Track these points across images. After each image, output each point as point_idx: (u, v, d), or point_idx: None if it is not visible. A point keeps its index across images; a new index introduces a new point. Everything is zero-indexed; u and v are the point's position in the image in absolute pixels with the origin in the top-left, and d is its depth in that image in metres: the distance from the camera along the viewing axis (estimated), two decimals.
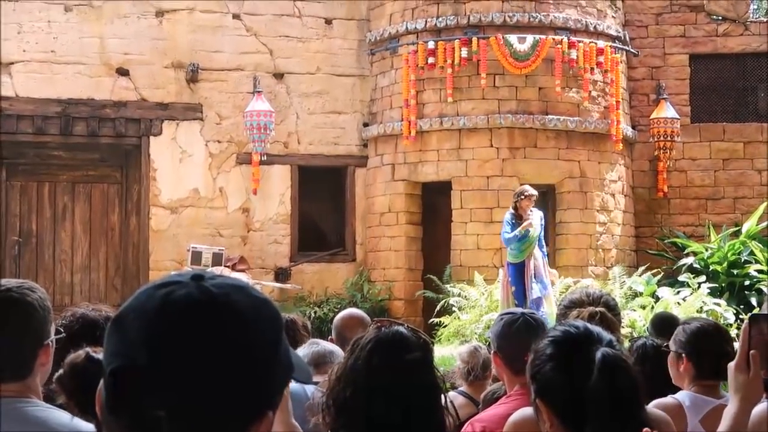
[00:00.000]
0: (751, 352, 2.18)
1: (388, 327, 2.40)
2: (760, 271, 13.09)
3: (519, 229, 10.33)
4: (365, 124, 14.56)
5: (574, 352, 2.00)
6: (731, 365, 2.23)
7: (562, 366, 2.00)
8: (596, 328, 2.08)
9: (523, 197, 10.50)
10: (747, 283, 13.12)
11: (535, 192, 10.64)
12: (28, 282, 2.48)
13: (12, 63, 13.69)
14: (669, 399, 3.50)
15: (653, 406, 3.17)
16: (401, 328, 2.40)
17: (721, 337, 3.64)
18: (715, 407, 3.36)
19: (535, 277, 10.39)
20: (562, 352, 2.02)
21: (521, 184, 10.82)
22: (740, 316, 11.71)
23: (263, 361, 1.18)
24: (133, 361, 1.13)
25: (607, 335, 2.05)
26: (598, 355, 1.96)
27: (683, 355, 3.61)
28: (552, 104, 13.48)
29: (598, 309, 2.93)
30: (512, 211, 10.60)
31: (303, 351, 4.20)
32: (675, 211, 14.74)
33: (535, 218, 10.49)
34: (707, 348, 3.55)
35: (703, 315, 10.81)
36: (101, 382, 1.18)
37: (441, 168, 13.57)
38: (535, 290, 10.29)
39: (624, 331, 9.99)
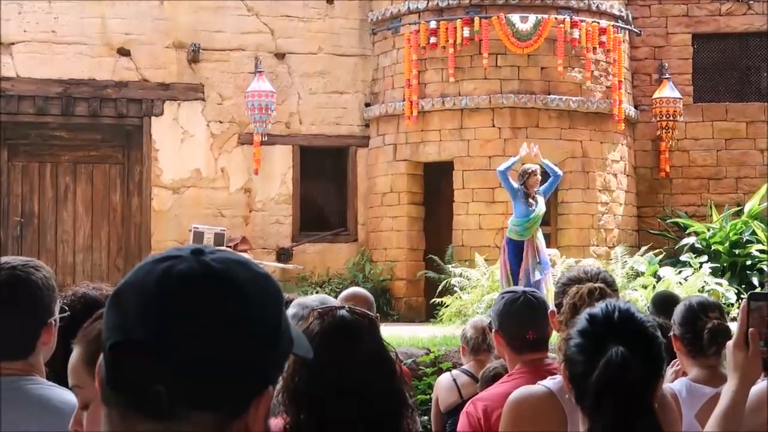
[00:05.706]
0: (750, 330, 2.18)
1: (331, 315, 2.26)
2: (761, 251, 13.10)
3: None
4: (367, 104, 14.53)
5: (596, 343, 2.00)
6: (730, 343, 2.23)
7: (583, 350, 2.02)
8: (618, 320, 2.04)
9: (528, 175, 10.46)
10: (749, 262, 13.13)
11: (537, 167, 10.57)
12: (33, 260, 2.48)
13: (13, 43, 13.66)
14: (665, 387, 3.45)
15: None
16: (344, 313, 2.27)
17: (710, 311, 3.56)
18: (711, 399, 3.29)
19: (538, 259, 10.33)
20: (587, 338, 2.03)
21: (523, 164, 10.76)
22: (741, 296, 11.69)
23: (264, 336, 1.17)
24: (132, 336, 1.12)
25: (630, 328, 2.02)
26: (611, 354, 1.95)
27: (674, 334, 3.58)
28: (554, 84, 13.45)
29: (597, 285, 2.93)
30: (523, 190, 10.48)
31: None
32: (677, 191, 14.73)
33: (541, 199, 10.45)
34: (695, 324, 3.51)
35: (705, 294, 10.81)
36: (101, 357, 1.18)
37: (443, 148, 13.55)
38: (536, 273, 10.22)
39: None
